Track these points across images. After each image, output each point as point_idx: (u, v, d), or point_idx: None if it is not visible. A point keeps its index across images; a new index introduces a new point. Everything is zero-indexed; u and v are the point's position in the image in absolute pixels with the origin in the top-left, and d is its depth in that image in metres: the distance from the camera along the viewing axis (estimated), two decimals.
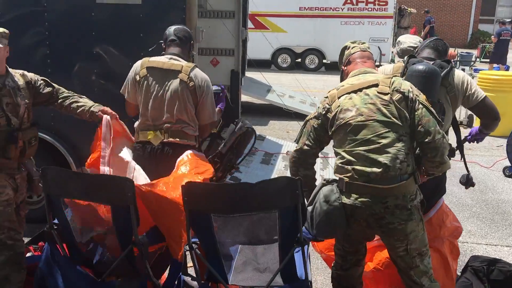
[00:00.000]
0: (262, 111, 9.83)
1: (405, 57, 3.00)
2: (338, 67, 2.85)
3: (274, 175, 4.95)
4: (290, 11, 15.25)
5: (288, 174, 5.18)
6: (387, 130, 2.36)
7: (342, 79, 2.73)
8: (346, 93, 2.50)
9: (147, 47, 3.72)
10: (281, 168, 5.22)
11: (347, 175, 2.43)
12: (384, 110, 2.37)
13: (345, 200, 2.43)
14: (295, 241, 2.37)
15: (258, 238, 2.59)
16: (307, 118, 2.64)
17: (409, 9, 16.43)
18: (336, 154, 2.52)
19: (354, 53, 2.68)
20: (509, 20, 33.69)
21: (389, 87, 2.42)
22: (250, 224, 2.49)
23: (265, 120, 9.23)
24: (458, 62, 15.16)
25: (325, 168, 5.63)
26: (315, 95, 10.19)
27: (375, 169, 2.35)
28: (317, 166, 5.66)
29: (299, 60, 15.87)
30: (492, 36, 16.67)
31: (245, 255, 2.76)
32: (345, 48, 2.76)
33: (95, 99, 3.38)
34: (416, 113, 2.38)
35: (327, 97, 2.58)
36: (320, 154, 6.47)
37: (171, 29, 3.36)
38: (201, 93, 3.23)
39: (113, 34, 4.19)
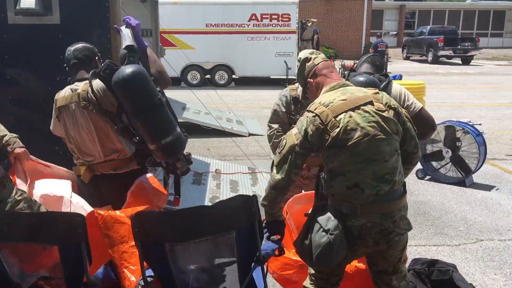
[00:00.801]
0: None
1: (346, 72, 3.10)
2: (298, 81, 2.74)
3: (208, 195, 4.86)
4: (197, 28, 15.27)
5: (222, 193, 5.18)
6: (390, 146, 2.36)
7: (308, 92, 2.65)
8: (344, 111, 2.34)
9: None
10: (213, 188, 5.14)
11: (355, 197, 2.33)
12: (386, 127, 2.35)
13: (352, 222, 2.35)
14: (254, 260, 2.33)
15: (217, 262, 2.51)
16: (290, 144, 2.41)
17: (310, 20, 17.19)
18: (336, 175, 2.36)
19: (318, 63, 2.57)
20: (395, 32, 36.66)
21: (382, 103, 2.40)
22: (207, 248, 2.40)
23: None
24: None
25: (255, 184, 5.64)
26: (229, 110, 10.23)
27: (384, 187, 2.32)
28: (247, 182, 5.70)
29: (209, 76, 15.89)
30: (370, 48, 18.22)
31: (204, 281, 2.66)
32: (306, 60, 2.62)
33: (11, 126, 3.14)
34: (405, 126, 2.43)
35: (315, 115, 2.36)
36: (247, 169, 6.46)
37: (70, 50, 3.03)
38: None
39: (28, 57, 3.86)
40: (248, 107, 12.16)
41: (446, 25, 30.31)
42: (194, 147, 8.45)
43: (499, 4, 38.57)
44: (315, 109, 2.38)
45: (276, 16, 15.44)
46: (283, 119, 3.44)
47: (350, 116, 2.32)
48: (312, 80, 2.58)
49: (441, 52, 23.96)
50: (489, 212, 5.36)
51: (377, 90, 2.46)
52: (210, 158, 6.79)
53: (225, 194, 5.03)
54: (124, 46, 2.82)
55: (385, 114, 2.35)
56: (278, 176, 2.42)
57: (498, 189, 6.13)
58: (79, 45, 3.06)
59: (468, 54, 24.00)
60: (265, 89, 15.38)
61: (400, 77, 16.64)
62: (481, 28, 35.10)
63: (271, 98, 14.12)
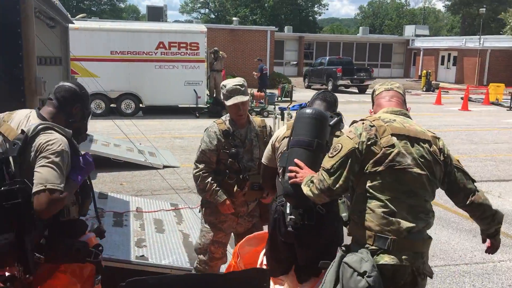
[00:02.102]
0: None
1: (297, 109, 2.99)
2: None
3: (133, 238, 4.42)
4: (100, 55, 14.57)
5: (147, 234, 4.76)
6: (432, 188, 2.29)
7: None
8: (402, 135, 2.27)
9: None
10: (137, 229, 4.71)
11: (392, 228, 2.17)
12: (433, 170, 2.29)
13: (385, 260, 2.15)
14: None
15: None
16: (348, 146, 2.23)
17: (220, 52, 17.24)
18: (372, 197, 2.22)
19: (380, 93, 2.61)
20: (295, 62, 38.20)
21: (437, 147, 2.35)
22: None
23: (92, 173, 8.40)
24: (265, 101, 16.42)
25: (181, 221, 5.30)
26: (140, 141, 9.74)
27: (419, 224, 2.22)
28: (172, 220, 5.33)
29: (115, 105, 15.16)
30: (254, 72, 19.39)
31: None
32: (373, 92, 2.69)
33: None
34: (456, 175, 2.38)
35: (372, 125, 2.27)
36: (170, 205, 6.08)
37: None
38: None
39: None
40: (159, 137, 11.72)
41: (342, 56, 32.22)
42: (106, 182, 7.87)
43: (386, 38, 42.08)
44: (373, 120, 2.29)
45: (184, 45, 15.24)
46: (210, 157, 3.39)
47: (406, 143, 2.26)
48: (373, 109, 2.60)
49: (340, 82, 25.32)
50: None
51: (436, 134, 2.43)
52: (128, 195, 6.30)
53: (151, 235, 4.64)
54: None
55: (436, 157, 2.32)
56: (330, 181, 2.23)
57: None
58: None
59: (364, 83, 25.62)
60: (175, 118, 15.02)
61: (305, 105, 17.33)
62: (372, 59, 37.89)
63: (183, 127, 13.88)
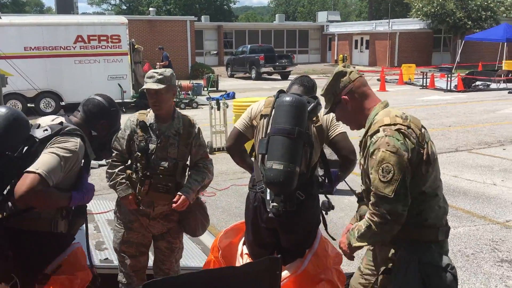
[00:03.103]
0: None
1: (276, 92, 2.98)
2: (325, 96, 2.39)
3: (91, 241, 4.20)
4: (13, 52, 13.50)
5: (105, 236, 4.54)
6: None
7: (338, 110, 2.35)
8: (421, 126, 2.18)
9: None
10: (92, 232, 4.47)
11: (443, 218, 2.20)
12: None
13: (447, 248, 2.22)
14: None
15: None
16: (400, 165, 2.01)
17: (137, 46, 16.71)
18: (431, 196, 2.14)
19: (354, 79, 2.29)
20: (216, 52, 38.04)
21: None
22: None
23: None
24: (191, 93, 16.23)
25: None
26: None
27: (446, 206, 2.27)
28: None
29: (33, 104, 14.22)
30: (158, 63, 19.20)
31: None
32: (340, 74, 2.31)
33: None
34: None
35: (408, 127, 2.09)
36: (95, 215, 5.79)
37: None
38: None
39: None
40: None
41: (261, 43, 32.58)
42: None
43: (302, 25, 43.13)
44: (402, 122, 2.11)
45: (105, 38, 14.61)
46: (121, 146, 3.07)
47: (426, 131, 2.21)
48: (347, 97, 2.29)
49: (263, 69, 25.61)
50: None
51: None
52: None
53: (109, 237, 4.43)
54: None
55: None
56: (398, 204, 2.02)
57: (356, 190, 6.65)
58: None
59: (286, 70, 26.12)
60: None
61: (233, 95, 17.35)
62: (290, 46, 38.69)
63: None
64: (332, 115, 2.87)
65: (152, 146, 3.05)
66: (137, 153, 3.04)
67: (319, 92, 2.39)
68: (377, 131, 2.10)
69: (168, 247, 3.25)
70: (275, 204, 2.76)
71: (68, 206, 2.32)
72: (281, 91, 2.97)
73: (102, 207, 5.42)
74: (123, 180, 3.06)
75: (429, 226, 2.15)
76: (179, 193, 3.02)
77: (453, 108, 14.66)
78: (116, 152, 3.07)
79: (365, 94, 2.30)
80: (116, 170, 3.07)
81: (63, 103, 14.65)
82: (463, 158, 8.41)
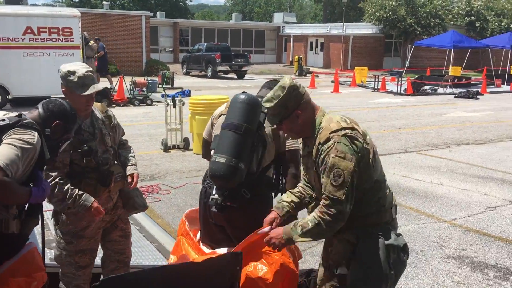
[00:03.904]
0: None
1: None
2: (275, 110, 2.36)
3: (37, 238, 4.05)
4: None
5: (52, 233, 4.36)
6: None
7: (288, 123, 2.37)
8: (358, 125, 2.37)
9: None
10: (40, 229, 4.32)
11: (392, 198, 2.44)
12: None
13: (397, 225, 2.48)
14: None
15: None
16: (349, 170, 2.17)
17: (91, 42, 16.26)
18: (380, 183, 2.37)
19: (304, 93, 2.38)
20: (171, 49, 37.59)
21: None
22: None
23: None
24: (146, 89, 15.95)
25: None
26: None
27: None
28: None
29: None
30: (97, 55, 17.39)
31: None
32: (293, 88, 2.33)
33: None
34: None
35: (353, 129, 2.27)
36: None
37: None
38: None
39: None
40: None
41: (217, 42, 32.47)
42: None
43: (259, 25, 43.32)
44: (346, 125, 2.27)
45: (56, 30, 14.09)
46: (63, 161, 2.86)
47: (364, 129, 2.36)
48: (301, 111, 2.35)
49: (219, 68, 25.53)
50: None
51: None
52: None
53: None
54: None
55: None
56: (347, 206, 2.21)
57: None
58: None
59: (242, 69, 26.16)
60: None
61: (189, 92, 17.19)
62: (246, 46, 38.80)
63: None
64: None
65: (93, 145, 2.92)
66: (84, 158, 2.88)
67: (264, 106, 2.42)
68: (328, 139, 2.24)
69: (123, 234, 3.24)
70: (214, 196, 2.78)
71: (27, 202, 2.22)
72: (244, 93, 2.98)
73: (48, 204, 5.23)
74: (81, 192, 2.84)
75: (386, 210, 2.37)
76: (130, 172, 3.08)
77: (403, 110, 15.16)
78: (56, 171, 2.81)
79: (312, 105, 2.40)
80: (68, 185, 2.82)
81: (9, 97, 14.03)
82: (412, 159, 8.71)
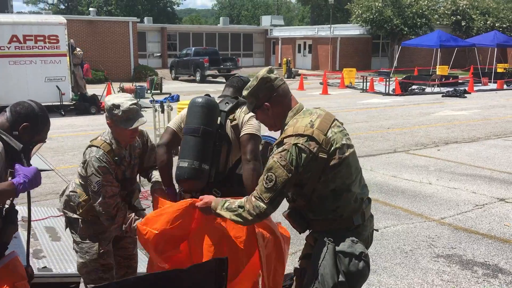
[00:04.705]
0: None
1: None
2: (248, 98, 2.38)
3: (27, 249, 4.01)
4: None
5: (43, 244, 4.34)
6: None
7: (260, 114, 2.38)
8: (328, 128, 2.25)
9: None
10: (30, 240, 4.28)
11: (359, 207, 2.33)
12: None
13: (364, 233, 2.36)
14: None
15: None
16: (283, 178, 2.15)
17: (76, 50, 16.17)
18: (341, 193, 2.24)
19: (278, 87, 2.32)
20: (159, 54, 37.50)
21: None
22: None
23: None
24: (135, 95, 15.90)
25: None
26: None
27: (366, 192, 2.42)
28: (64, 226, 4.92)
29: None
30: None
31: None
32: (265, 80, 2.31)
33: None
34: None
35: (308, 139, 2.16)
36: (58, 211, 5.57)
37: None
38: None
39: None
40: None
41: (205, 46, 32.46)
42: None
43: (247, 28, 43.41)
44: (303, 132, 2.19)
45: (42, 38, 14.00)
46: (112, 183, 3.00)
47: (335, 133, 2.28)
48: (269, 104, 2.33)
49: (208, 72, 25.54)
50: None
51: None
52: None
53: (48, 245, 4.26)
54: None
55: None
56: (269, 208, 2.23)
57: None
58: None
59: (231, 73, 26.16)
60: None
61: (177, 97, 17.14)
62: (234, 49, 38.84)
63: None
64: (250, 114, 2.85)
65: (127, 173, 3.10)
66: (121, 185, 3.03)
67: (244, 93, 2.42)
68: (281, 142, 2.23)
69: (131, 241, 3.32)
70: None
71: (16, 194, 2.16)
72: (207, 95, 2.97)
73: (39, 214, 5.19)
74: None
75: (346, 218, 2.29)
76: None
77: (392, 111, 15.25)
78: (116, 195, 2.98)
79: (287, 101, 2.36)
80: (118, 200, 3.00)
81: None
82: (401, 158, 8.76)
